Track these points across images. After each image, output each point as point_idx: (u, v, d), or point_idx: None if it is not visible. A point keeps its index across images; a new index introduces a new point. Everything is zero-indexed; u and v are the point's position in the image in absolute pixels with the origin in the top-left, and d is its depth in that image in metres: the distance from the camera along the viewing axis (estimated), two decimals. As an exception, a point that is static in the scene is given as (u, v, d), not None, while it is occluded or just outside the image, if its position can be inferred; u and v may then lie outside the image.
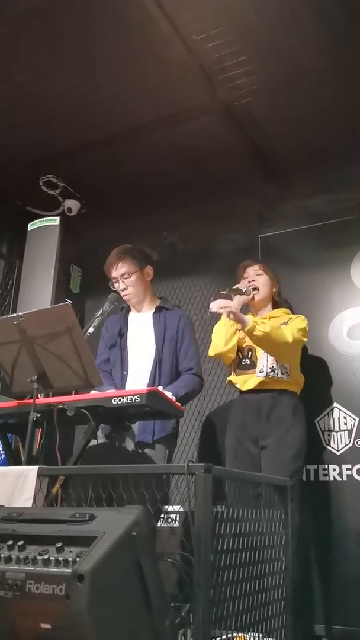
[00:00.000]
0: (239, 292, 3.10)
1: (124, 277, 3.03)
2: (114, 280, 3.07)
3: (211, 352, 3.10)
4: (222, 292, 3.06)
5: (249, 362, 3.11)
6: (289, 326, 3.02)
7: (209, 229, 4.23)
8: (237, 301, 3.09)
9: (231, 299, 3.07)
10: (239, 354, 3.14)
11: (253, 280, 3.18)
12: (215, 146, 3.61)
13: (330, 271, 3.69)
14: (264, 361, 3.03)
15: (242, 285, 3.14)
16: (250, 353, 3.11)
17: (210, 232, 4.23)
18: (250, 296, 3.13)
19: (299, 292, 3.63)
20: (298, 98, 3.23)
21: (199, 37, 2.87)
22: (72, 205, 4.25)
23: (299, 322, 3.09)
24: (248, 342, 3.10)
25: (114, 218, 4.27)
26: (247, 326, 2.89)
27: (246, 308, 3.29)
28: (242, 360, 3.14)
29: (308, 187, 3.85)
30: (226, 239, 4.12)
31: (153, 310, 3.06)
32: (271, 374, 3.01)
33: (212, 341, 3.11)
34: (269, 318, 3.14)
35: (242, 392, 3.13)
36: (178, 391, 2.74)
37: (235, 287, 3.12)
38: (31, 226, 4.26)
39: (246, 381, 3.09)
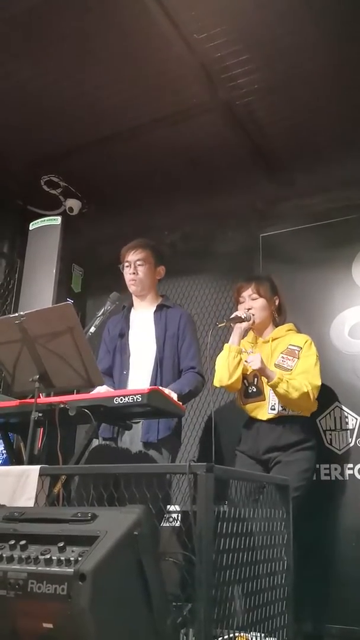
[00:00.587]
0: (239, 320, 3.04)
1: (138, 263, 3.04)
2: (125, 264, 3.07)
3: (216, 384, 3.04)
4: (220, 325, 3.05)
5: (255, 390, 3.04)
6: (305, 373, 2.93)
7: (210, 228, 4.23)
8: (238, 330, 3.06)
9: (231, 328, 3.07)
10: (245, 381, 3.07)
11: (250, 309, 3.10)
12: (216, 145, 3.61)
13: (332, 270, 3.69)
14: (275, 399, 2.96)
15: (241, 312, 3.08)
16: (256, 380, 3.05)
17: (211, 231, 4.23)
18: (251, 321, 3.07)
19: (300, 291, 3.63)
20: (298, 97, 3.22)
21: (200, 36, 2.86)
22: (73, 204, 4.25)
23: (310, 357, 3.00)
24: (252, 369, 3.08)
25: (115, 217, 4.27)
26: (271, 381, 2.87)
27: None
28: (248, 388, 3.07)
29: (309, 186, 3.85)
30: (227, 238, 4.12)
31: (154, 309, 3.07)
32: (283, 412, 2.96)
33: (216, 373, 3.04)
34: (272, 340, 3.09)
35: (251, 417, 3.08)
36: (182, 389, 2.74)
37: (233, 316, 3.07)
38: (32, 226, 4.26)
39: (255, 409, 3.03)
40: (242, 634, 1.87)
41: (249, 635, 1.89)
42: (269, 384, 2.88)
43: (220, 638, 1.78)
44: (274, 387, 2.86)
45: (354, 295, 3.60)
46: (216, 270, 4.06)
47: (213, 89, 3.21)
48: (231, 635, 1.82)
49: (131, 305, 3.16)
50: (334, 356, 3.50)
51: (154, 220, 4.21)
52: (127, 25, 2.84)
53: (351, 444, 3.34)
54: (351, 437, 3.35)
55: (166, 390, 2.59)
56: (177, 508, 2.70)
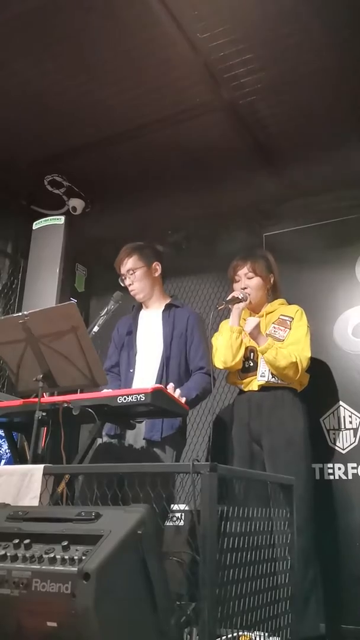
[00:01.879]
0: (237, 300, 3.08)
1: (130, 273, 3.07)
2: (122, 277, 3.11)
3: (219, 365, 3.07)
4: (219, 308, 3.06)
5: (252, 364, 3.08)
6: (295, 344, 2.97)
7: (213, 228, 4.23)
8: (237, 310, 3.09)
9: (230, 309, 3.10)
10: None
11: (245, 288, 3.13)
12: (219, 144, 3.61)
13: (335, 269, 3.69)
14: (265, 366, 3.00)
15: (237, 293, 3.11)
16: (252, 354, 3.09)
17: (214, 231, 4.23)
18: (248, 301, 3.11)
19: (303, 290, 3.63)
20: (302, 96, 3.22)
21: (204, 36, 2.86)
22: (76, 204, 4.25)
23: (301, 327, 3.05)
24: (248, 343, 3.10)
25: (118, 217, 4.27)
26: (261, 347, 2.92)
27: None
28: (245, 363, 3.10)
29: (312, 185, 3.85)
30: (230, 237, 4.12)
31: (163, 308, 3.07)
32: (272, 379, 2.99)
33: (218, 354, 3.06)
34: (266, 314, 3.13)
35: (243, 390, 3.12)
36: (189, 394, 2.73)
37: (230, 297, 3.09)
38: (36, 225, 4.26)
39: (250, 383, 3.08)
40: (245, 633, 1.87)
41: (253, 635, 1.89)
42: (259, 349, 2.94)
43: (224, 637, 1.78)
44: (263, 352, 2.92)
45: (358, 295, 3.60)
46: (220, 269, 4.04)
47: (216, 88, 3.20)
48: (235, 634, 1.82)
49: (140, 305, 3.17)
50: (337, 355, 3.50)
51: (158, 219, 4.21)
52: (130, 24, 2.84)
53: (355, 444, 3.33)
54: (355, 436, 3.34)
55: (171, 390, 2.59)
56: (181, 507, 2.71)
